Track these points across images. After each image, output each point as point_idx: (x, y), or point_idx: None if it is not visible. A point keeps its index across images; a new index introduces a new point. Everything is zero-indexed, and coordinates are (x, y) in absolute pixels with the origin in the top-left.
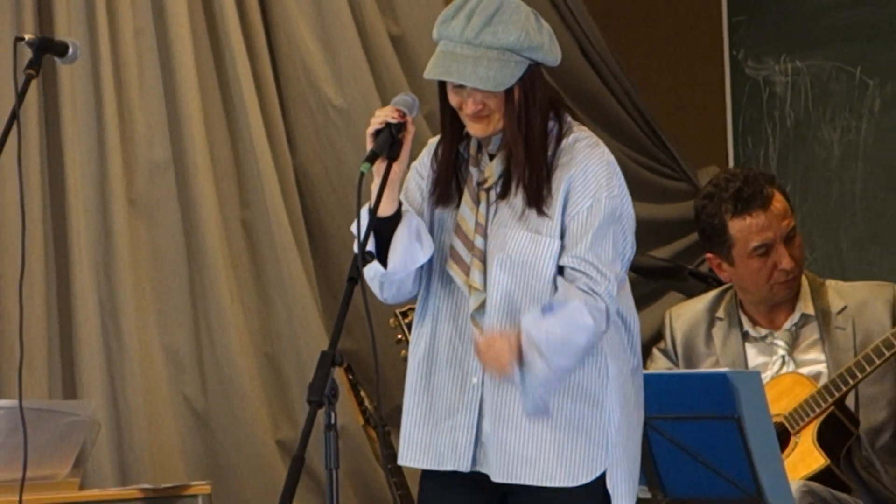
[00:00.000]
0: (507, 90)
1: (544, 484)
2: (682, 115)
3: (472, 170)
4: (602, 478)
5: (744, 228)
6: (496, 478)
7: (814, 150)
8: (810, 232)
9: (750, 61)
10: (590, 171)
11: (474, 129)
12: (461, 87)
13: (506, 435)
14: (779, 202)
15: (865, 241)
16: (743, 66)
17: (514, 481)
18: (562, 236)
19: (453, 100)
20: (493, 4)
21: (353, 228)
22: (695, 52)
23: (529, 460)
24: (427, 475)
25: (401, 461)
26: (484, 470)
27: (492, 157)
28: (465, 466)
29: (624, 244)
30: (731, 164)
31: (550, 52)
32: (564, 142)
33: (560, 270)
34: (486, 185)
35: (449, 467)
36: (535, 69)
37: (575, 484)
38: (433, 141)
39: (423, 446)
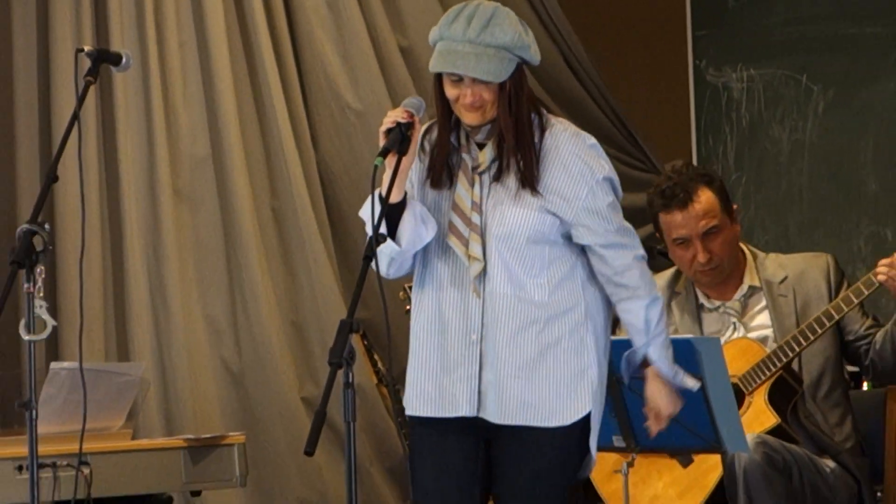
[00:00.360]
0: (500, 83)
1: (543, 424)
2: (652, 116)
3: (465, 156)
4: (581, 419)
5: (665, 222)
6: (498, 420)
7: (766, 147)
8: (763, 217)
9: (711, 69)
10: (580, 157)
11: (469, 118)
12: (459, 80)
13: (509, 383)
14: (700, 204)
15: (810, 225)
16: (705, 73)
17: (515, 423)
18: (557, 213)
19: (451, 92)
20: (488, 10)
21: (361, 214)
22: (663, 61)
23: (530, 404)
24: (420, 423)
25: (411, 412)
26: (484, 415)
27: (480, 145)
28: (470, 412)
29: (619, 204)
30: (694, 158)
31: (535, 52)
32: (547, 132)
33: (581, 248)
34: (480, 170)
35: (454, 413)
36: (521, 67)
37: (566, 423)
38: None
39: (432, 397)
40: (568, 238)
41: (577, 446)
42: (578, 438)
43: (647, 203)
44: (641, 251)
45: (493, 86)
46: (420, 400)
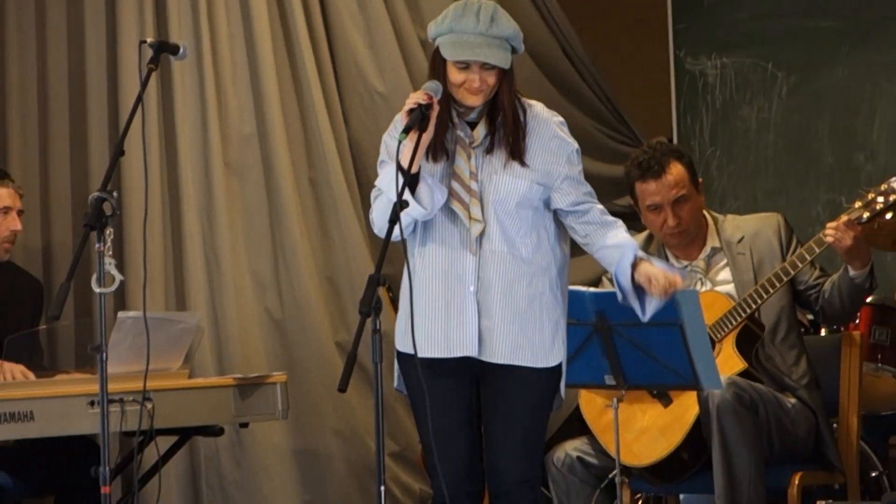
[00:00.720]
0: (502, 70)
1: (533, 365)
2: (638, 98)
3: (460, 133)
4: (557, 364)
5: (641, 190)
6: (496, 360)
7: (736, 125)
8: (734, 186)
9: (689, 58)
10: (557, 133)
11: (472, 100)
12: (466, 67)
13: (505, 328)
14: (672, 175)
15: (775, 193)
16: (683, 61)
17: (511, 362)
18: (541, 181)
19: (457, 77)
20: (490, 7)
21: (378, 183)
22: (647, 51)
23: (523, 347)
24: (423, 365)
25: (421, 353)
26: (482, 355)
27: (470, 124)
28: (473, 352)
29: None
30: (674, 135)
31: (524, 44)
32: (529, 111)
33: (560, 206)
34: (475, 144)
35: (460, 353)
36: (512, 57)
37: (550, 365)
38: None
39: (438, 340)
40: (545, 204)
41: (554, 386)
42: (555, 379)
43: (624, 174)
44: (601, 208)
45: (496, 71)
46: (428, 343)
